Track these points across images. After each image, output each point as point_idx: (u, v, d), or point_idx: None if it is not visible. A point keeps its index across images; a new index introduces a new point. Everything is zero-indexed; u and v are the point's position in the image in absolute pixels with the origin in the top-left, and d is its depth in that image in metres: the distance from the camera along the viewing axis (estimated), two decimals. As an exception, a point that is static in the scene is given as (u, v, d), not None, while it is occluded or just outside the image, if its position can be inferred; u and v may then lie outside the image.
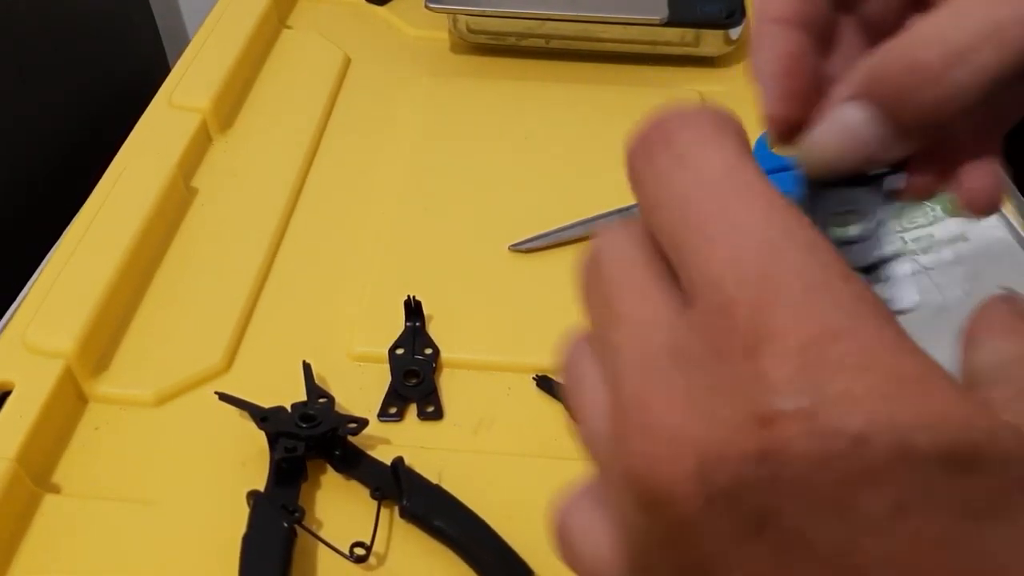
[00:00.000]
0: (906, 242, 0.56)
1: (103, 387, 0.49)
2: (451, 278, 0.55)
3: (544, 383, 0.49)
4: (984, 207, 0.24)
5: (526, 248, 0.57)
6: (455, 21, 0.71)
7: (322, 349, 0.50)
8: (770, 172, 0.62)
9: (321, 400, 0.46)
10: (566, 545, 0.17)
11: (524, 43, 0.72)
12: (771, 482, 0.13)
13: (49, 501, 0.44)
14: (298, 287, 0.55)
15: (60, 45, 0.78)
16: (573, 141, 0.65)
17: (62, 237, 0.56)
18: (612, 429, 0.15)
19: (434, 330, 0.51)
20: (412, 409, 0.48)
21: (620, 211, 0.58)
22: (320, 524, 0.43)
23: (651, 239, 0.17)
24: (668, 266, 0.16)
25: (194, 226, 0.58)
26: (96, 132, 0.77)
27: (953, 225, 0.57)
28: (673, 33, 0.70)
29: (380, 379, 0.49)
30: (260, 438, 0.44)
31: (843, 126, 0.22)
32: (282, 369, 0.49)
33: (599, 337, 0.17)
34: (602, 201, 0.58)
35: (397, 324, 0.51)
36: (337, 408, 0.46)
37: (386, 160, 0.64)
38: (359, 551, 0.41)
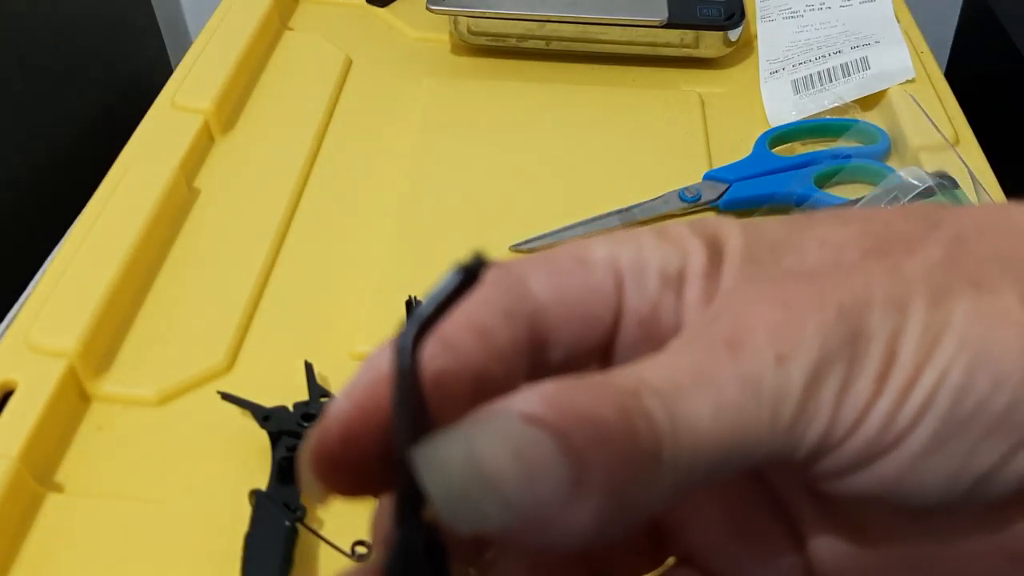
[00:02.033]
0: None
1: (106, 386, 0.49)
2: (452, 278, 0.55)
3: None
4: None
5: (527, 248, 0.57)
6: (456, 23, 0.72)
7: (324, 349, 0.51)
8: (770, 172, 0.62)
9: (323, 399, 0.46)
10: None
11: (525, 45, 0.72)
12: None
13: (52, 500, 0.44)
14: (300, 287, 0.55)
15: (62, 47, 0.78)
16: (573, 142, 0.65)
17: (65, 237, 0.56)
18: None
19: (435, 330, 0.51)
20: (413, 408, 0.48)
21: (620, 212, 0.58)
22: (322, 523, 0.43)
23: None
24: None
25: (196, 226, 0.58)
26: (99, 133, 0.77)
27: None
28: (673, 35, 0.70)
29: (381, 379, 0.49)
30: (262, 437, 0.45)
31: (507, 445, 0.14)
32: (284, 368, 0.49)
33: None
34: (603, 202, 0.59)
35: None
36: (339, 407, 0.47)
37: (387, 161, 0.64)
38: (361, 549, 0.41)
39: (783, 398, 0.16)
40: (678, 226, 0.19)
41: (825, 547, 0.19)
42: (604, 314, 0.19)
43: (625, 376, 0.16)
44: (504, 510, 0.14)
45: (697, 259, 0.18)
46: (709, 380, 0.16)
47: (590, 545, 0.15)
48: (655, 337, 0.18)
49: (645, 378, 0.16)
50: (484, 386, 0.17)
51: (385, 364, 0.16)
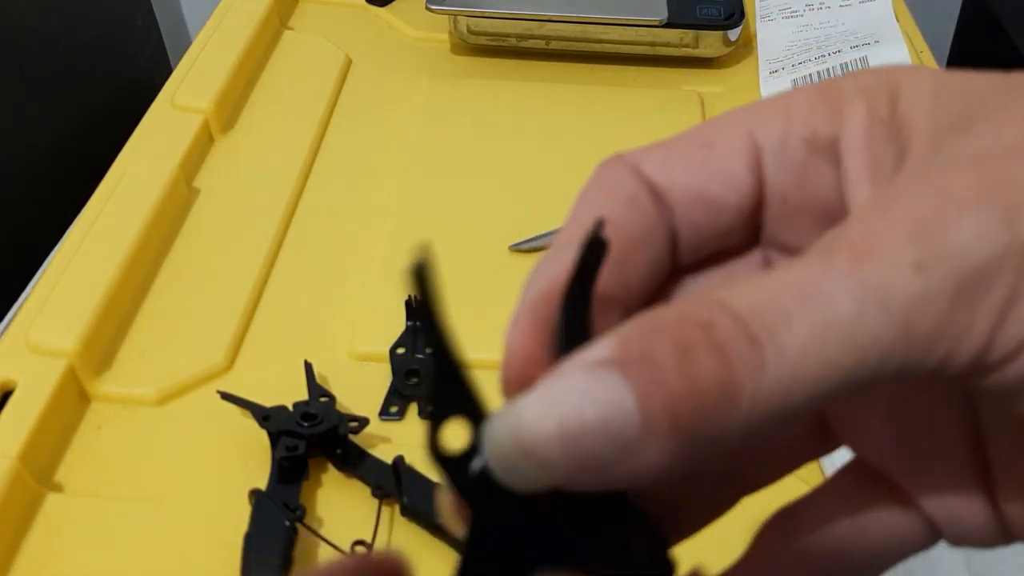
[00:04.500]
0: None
1: (105, 386, 0.49)
2: (451, 278, 0.54)
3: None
4: None
5: (526, 248, 0.57)
6: (455, 22, 0.72)
7: (323, 348, 0.51)
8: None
9: (322, 399, 0.47)
10: None
11: (524, 44, 0.72)
12: None
13: (51, 500, 0.44)
14: (299, 287, 0.55)
15: (62, 47, 0.78)
16: (573, 141, 0.65)
17: (65, 237, 0.56)
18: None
19: (435, 330, 0.51)
20: (413, 408, 0.48)
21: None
22: (321, 522, 0.43)
23: None
24: None
25: (196, 226, 0.58)
26: (99, 133, 0.77)
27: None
28: (672, 34, 0.70)
29: (381, 378, 0.49)
30: (262, 437, 0.45)
31: (565, 407, 0.14)
32: (284, 368, 0.49)
33: None
34: (602, 202, 0.59)
35: (398, 324, 0.51)
36: (338, 407, 0.47)
37: (387, 160, 0.64)
38: (360, 549, 0.41)
39: (920, 309, 0.14)
40: (846, 81, 0.17)
41: (1006, 451, 0.17)
42: (731, 197, 0.17)
43: (703, 305, 0.14)
44: (547, 472, 0.14)
45: (856, 126, 0.16)
46: (816, 296, 0.14)
47: (679, 477, 0.14)
48: (807, 211, 0.17)
49: (728, 303, 0.14)
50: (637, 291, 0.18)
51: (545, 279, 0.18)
